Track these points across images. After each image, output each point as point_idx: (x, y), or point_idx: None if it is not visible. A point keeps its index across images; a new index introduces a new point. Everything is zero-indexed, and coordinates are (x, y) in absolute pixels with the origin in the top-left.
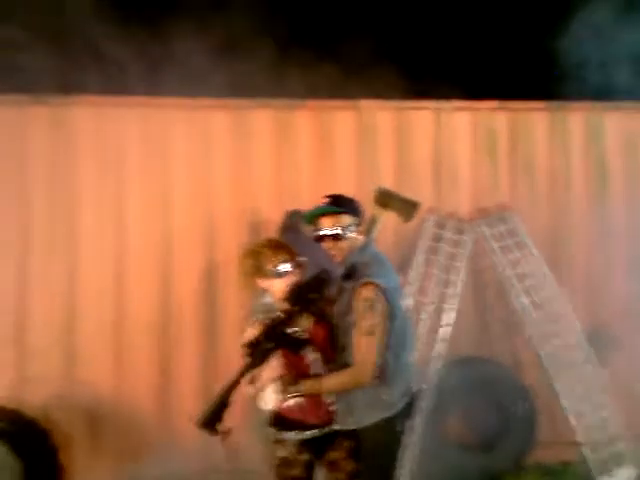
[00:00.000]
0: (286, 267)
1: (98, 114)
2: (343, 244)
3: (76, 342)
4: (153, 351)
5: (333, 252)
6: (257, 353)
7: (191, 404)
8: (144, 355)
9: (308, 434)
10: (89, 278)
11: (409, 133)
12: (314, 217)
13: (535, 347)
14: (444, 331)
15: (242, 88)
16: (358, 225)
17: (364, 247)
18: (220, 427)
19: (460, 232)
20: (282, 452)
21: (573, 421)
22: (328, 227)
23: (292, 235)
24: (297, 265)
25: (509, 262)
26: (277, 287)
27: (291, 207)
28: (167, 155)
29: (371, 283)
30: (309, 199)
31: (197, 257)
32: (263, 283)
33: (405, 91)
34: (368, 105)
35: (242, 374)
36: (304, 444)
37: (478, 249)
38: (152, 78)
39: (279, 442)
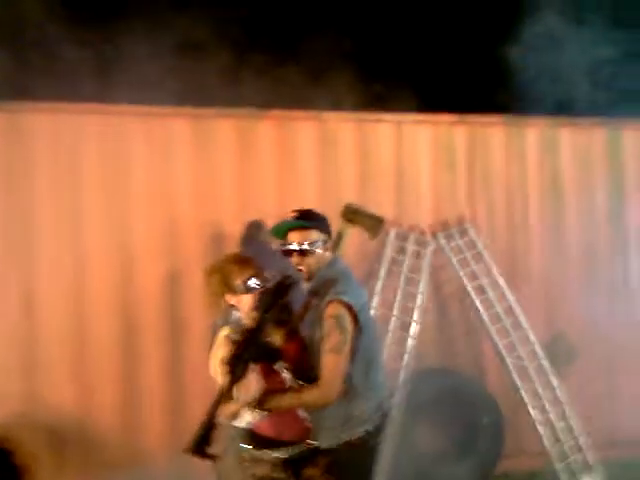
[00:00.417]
0: (254, 282)
1: (54, 121)
2: (311, 260)
3: (37, 357)
4: (116, 365)
5: (300, 267)
6: (237, 367)
7: (156, 418)
8: (107, 370)
9: (284, 452)
10: (47, 290)
11: (371, 145)
12: (282, 231)
13: (497, 358)
14: (409, 343)
15: (203, 96)
16: (326, 241)
17: (331, 263)
18: (209, 451)
19: (421, 245)
20: (257, 471)
21: (540, 431)
22: (296, 242)
23: (253, 246)
24: (264, 280)
25: (468, 274)
26: (245, 302)
27: (253, 218)
28: (125, 164)
29: (338, 300)
30: (271, 210)
31: (158, 269)
32: (231, 299)
33: (367, 103)
34: (330, 116)
35: (224, 392)
36: (280, 462)
37: (440, 261)
38: (110, 84)
39: (254, 460)
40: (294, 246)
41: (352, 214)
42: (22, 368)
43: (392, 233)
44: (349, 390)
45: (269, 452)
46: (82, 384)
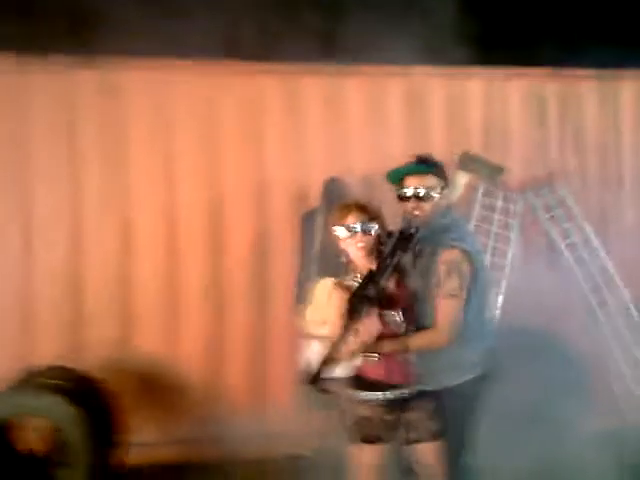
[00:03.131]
0: (370, 225)
1: (148, 77)
2: (427, 205)
3: (131, 306)
4: (204, 316)
5: (416, 213)
6: (358, 308)
7: (240, 369)
8: (195, 320)
9: (390, 394)
10: (142, 241)
11: (460, 100)
12: (399, 175)
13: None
14: (498, 299)
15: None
16: (443, 188)
17: (446, 211)
18: (326, 385)
19: (510, 201)
20: (363, 412)
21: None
22: (414, 186)
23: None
24: (383, 227)
25: (558, 232)
26: (350, 244)
27: (342, 175)
28: (217, 121)
29: (454, 246)
30: (359, 167)
31: (248, 223)
32: (339, 239)
33: (457, 57)
34: (419, 71)
35: (346, 329)
36: (386, 404)
37: (530, 219)
38: (201, 41)
39: (361, 402)
40: (413, 190)
41: (469, 162)
42: (117, 316)
43: (480, 189)
44: (462, 335)
45: (375, 394)
46: (172, 333)
